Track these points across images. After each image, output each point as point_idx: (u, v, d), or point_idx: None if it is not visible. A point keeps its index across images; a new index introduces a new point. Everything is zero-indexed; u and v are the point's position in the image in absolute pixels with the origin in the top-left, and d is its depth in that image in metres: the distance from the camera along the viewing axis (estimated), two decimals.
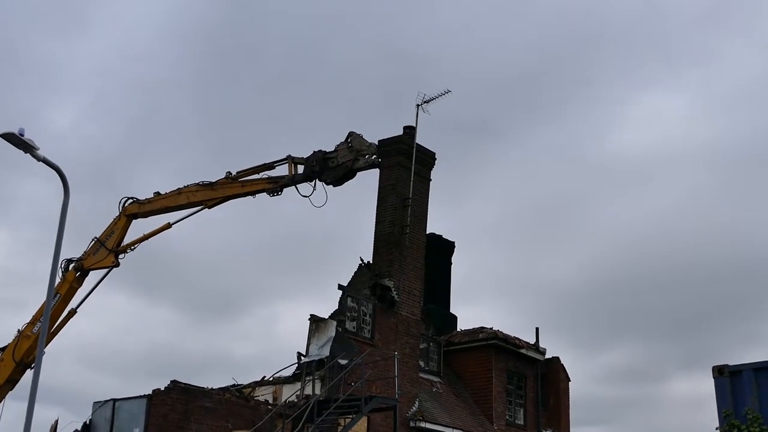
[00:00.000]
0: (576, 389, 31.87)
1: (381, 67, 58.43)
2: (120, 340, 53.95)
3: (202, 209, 24.19)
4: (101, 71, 61.22)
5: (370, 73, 58.44)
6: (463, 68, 57.41)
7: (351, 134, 23.54)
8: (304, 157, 23.66)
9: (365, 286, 24.15)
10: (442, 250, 29.42)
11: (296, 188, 23.25)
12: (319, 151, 23.49)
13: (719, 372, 11.71)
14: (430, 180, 25.25)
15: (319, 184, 23.19)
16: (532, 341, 28.43)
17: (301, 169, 23.46)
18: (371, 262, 24.24)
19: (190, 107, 60.23)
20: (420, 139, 24.50)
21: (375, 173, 24.67)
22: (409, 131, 24.36)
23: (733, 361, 12.16)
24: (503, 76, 59.61)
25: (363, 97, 56.10)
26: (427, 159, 25.12)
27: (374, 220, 24.61)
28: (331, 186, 23.15)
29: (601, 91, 61.80)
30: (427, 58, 56.39)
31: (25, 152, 13.62)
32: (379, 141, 24.21)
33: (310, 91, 59.41)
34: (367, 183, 25.10)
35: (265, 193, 23.67)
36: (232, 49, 61.71)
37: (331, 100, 57.74)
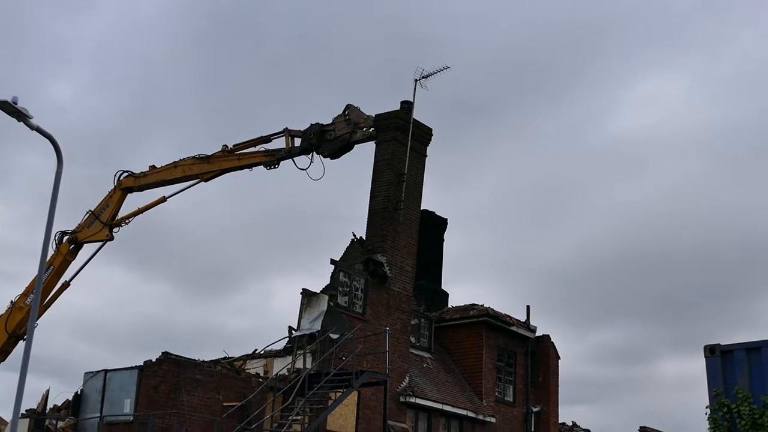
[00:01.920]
0: (566, 368, 32.21)
1: (383, 47, 58.95)
2: (113, 313, 54.34)
3: (198, 183, 24.28)
4: (104, 45, 61.07)
5: (372, 52, 58.98)
6: (465, 49, 57.82)
7: (348, 107, 23.52)
8: (301, 129, 23.63)
9: (358, 261, 24.10)
10: (434, 227, 29.44)
11: (293, 161, 23.32)
12: (317, 123, 23.50)
13: (711, 351, 11.71)
14: (426, 156, 25.15)
15: (316, 157, 23.25)
16: (523, 319, 28.58)
17: (298, 142, 23.51)
18: (364, 237, 24.22)
19: (192, 83, 60.69)
20: (418, 115, 24.43)
21: (372, 148, 24.68)
22: (407, 106, 24.17)
23: (723, 342, 12.12)
24: (504, 57, 60.11)
25: (364, 77, 56.67)
26: (424, 135, 24.97)
27: (368, 195, 24.59)
28: (328, 159, 23.23)
29: (601, 74, 62.38)
30: (429, 38, 56.68)
31: (18, 120, 13.67)
32: (375, 115, 24.12)
33: (311, 70, 59.96)
34: (363, 158, 25.15)
35: (261, 167, 23.69)
36: (234, 27, 61.99)
37: (332, 80, 58.32)
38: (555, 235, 57.23)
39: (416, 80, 23.97)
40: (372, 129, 23.37)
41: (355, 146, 23.78)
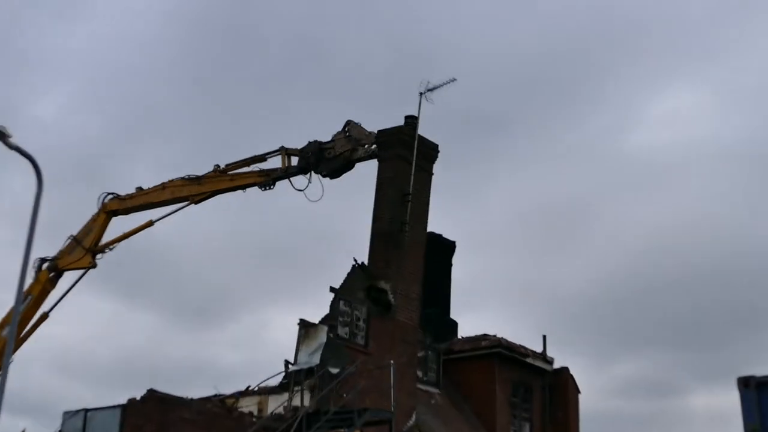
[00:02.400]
0: (586, 402, 31.80)
1: (386, 57, 58.84)
2: (96, 346, 53.91)
3: (187, 205, 24.29)
4: (90, 59, 60.92)
5: (374, 64, 58.84)
6: (473, 60, 57.36)
7: (349, 123, 23.37)
8: (299, 148, 23.54)
9: (359, 289, 23.87)
10: (442, 251, 29.25)
11: (290, 181, 23.24)
12: (315, 141, 23.39)
13: (745, 384, 11.26)
14: (432, 174, 24.88)
15: (314, 176, 23.16)
16: (539, 350, 28.32)
17: (295, 161, 23.45)
18: (366, 263, 23.97)
19: (183, 99, 60.67)
20: (423, 130, 24.20)
21: (374, 166, 24.50)
22: (411, 121, 23.93)
23: (758, 372, 11.62)
24: (516, 70, 59.74)
25: (366, 91, 56.23)
26: (430, 151, 24.72)
27: (371, 217, 24.32)
28: (327, 179, 23.09)
29: (621, 86, 61.92)
30: (436, 47, 56.50)
31: None
32: (378, 131, 23.92)
33: (309, 84, 59.74)
34: (365, 177, 24.86)
35: (256, 188, 23.64)
36: (227, 39, 62.05)
37: (332, 94, 57.91)
38: (572, 259, 56.64)
39: (421, 93, 23.75)
40: (374, 146, 23.25)
41: (357, 165, 23.65)
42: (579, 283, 55.27)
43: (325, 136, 23.86)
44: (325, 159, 23.21)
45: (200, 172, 24.01)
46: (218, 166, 24.04)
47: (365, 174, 24.69)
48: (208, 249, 54.75)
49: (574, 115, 60.62)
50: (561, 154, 59.10)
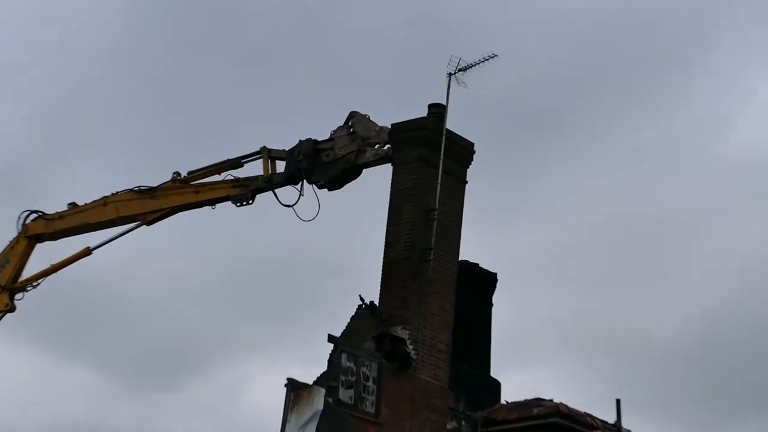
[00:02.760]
0: None
1: (402, 30, 53.53)
2: (14, 414, 49.30)
3: (137, 227, 23.59)
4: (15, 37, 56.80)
5: (387, 38, 53.66)
6: (518, 32, 52.66)
7: (353, 116, 22.27)
8: (286, 149, 22.57)
9: (367, 337, 21.87)
10: (479, 286, 26.76)
11: (274, 194, 22.49)
12: (308, 140, 22.37)
13: None
14: (466, 182, 22.68)
15: (307, 187, 22.31)
16: (612, 420, 25.34)
17: (282, 166, 22.65)
18: (376, 302, 22.01)
19: (137, 90, 55.61)
20: (453, 124, 21.99)
21: (387, 173, 22.81)
22: (437, 111, 21.91)
23: None
24: (575, 47, 54.39)
25: (375, 71, 51.48)
26: (463, 152, 22.54)
27: (383, 241, 22.15)
28: (324, 190, 22.27)
29: (716, 68, 56.00)
30: (467, 15, 51.73)
31: None
32: (392, 126, 22.11)
33: (301, 61, 54.66)
34: (375, 187, 23.18)
35: (229, 202, 22.92)
36: (196, 10, 57.18)
37: (330, 74, 53.37)
38: (655, 295, 51.10)
39: (450, 74, 21.71)
40: (387, 146, 21.97)
41: (364, 171, 22.45)
42: (665, 329, 49.73)
43: (322, 133, 22.47)
44: (322, 164, 22.25)
45: (155, 183, 22.94)
46: (178, 174, 23.08)
47: (376, 183, 23.05)
48: (166, 284, 50.42)
49: (653, 107, 55.14)
50: (637, 156, 53.32)
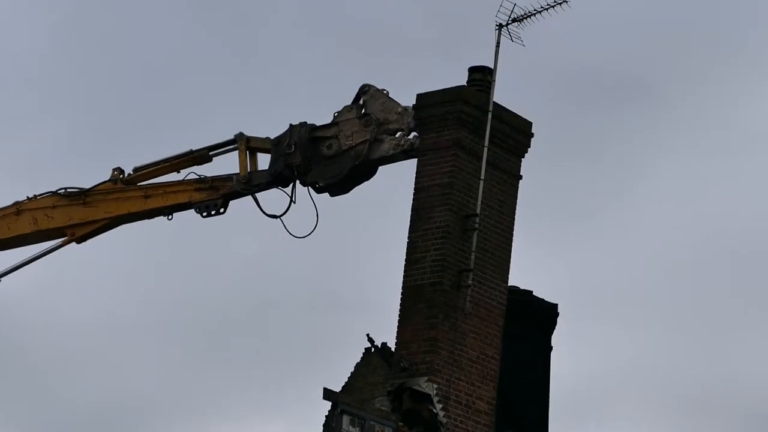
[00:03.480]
0: None
1: None
2: None
3: (64, 244, 20.67)
4: None
5: None
6: None
7: (365, 91, 18.96)
8: (271, 137, 19.48)
9: (378, 392, 20.86)
10: (534, 321, 24.07)
11: (255, 200, 19.50)
12: (303, 124, 19.15)
13: None
14: (521, 178, 19.39)
15: (301, 190, 19.33)
16: None
17: (266, 161, 19.52)
18: (389, 344, 20.64)
19: (56, 54, 51.63)
20: (502, 97, 18.61)
21: (412, 172, 19.28)
22: (481, 78, 18.56)
23: None
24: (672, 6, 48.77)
25: (396, 31, 46.01)
26: (517, 135, 19.24)
27: (402, 260, 18.86)
28: (325, 195, 19.23)
29: None
30: None
31: None
32: (418, 98, 18.81)
33: (288, 15, 49.67)
34: (390, 182, 20.12)
35: (193, 210, 19.92)
36: None
37: (331, 31, 48.18)
38: None
39: (501, 26, 18.34)
40: (413, 133, 18.74)
41: (380, 169, 19.56)
42: None
43: (322, 116, 19.50)
44: (322, 158, 19.34)
45: (88, 183, 20.22)
46: (120, 171, 20.22)
47: (397, 185, 19.90)
48: (104, 323, 44.43)
49: None
50: (747, 142, 47.08)
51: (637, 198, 44.11)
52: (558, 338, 24.61)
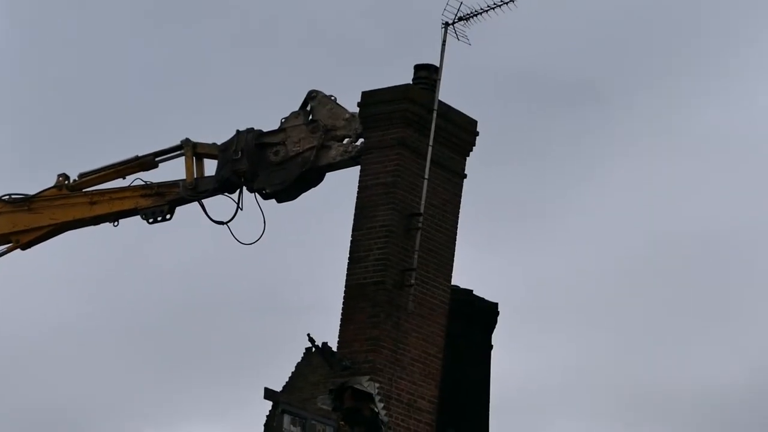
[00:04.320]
0: None
1: None
2: None
3: (8, 251, 20.73)
4: None
5: None
6: None
7: (313, 97, 19.23)
8: (218, 143, 19.53)
9: (320, 391, 19.48)
10: (474, 321, 23.83)
11: (201, 206, 19.50)
12: (249, 130, 19.30)
13: None
14: (465, 177, 19.47)
15: (248, 196, 19.46)
16: None
17: (212, 167, 19.61)
18: (333, 345, 19.64)
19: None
20: (448, 94, 18.74)
21: (356, 172, 19.46)
22: (426, 77, 18.75)
23: None
24: (616, 3, 48.68)
25: (343, 33, 46.24)
26: (462, 134, 19.31)
27: (346, 259, 18.87)
28: (272, 201, 19.40)
29: None
30: None
31: None
32: (363, 95, 18.93)
33: (231, 20, 49.34)
34: (343, 197, 19.71)
35: (138, 217, 19.98)
36: None
37: (276, 36, 48.01)
38: (721, 339, 45.14)
39: (446, 25, 18.55)
40: (361, 140, 19.02)
41: (327, 175, 19.70)
42: (731, 384, 43.86)
43: (269, 122, 19.44)
44: (269, 165, 19.31)
45: (33, 190, 20.25)
46: (66, 177, 20.12)
47: (345, 191, 19.51)
48: (46, 330, 44.18)
49: (731, 85, 49.24)
50: (714, 146, 47.23)
51: (583, 200, 44.30)
52: (499, 337, 24.42)
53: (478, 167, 20.10)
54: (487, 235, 35.84)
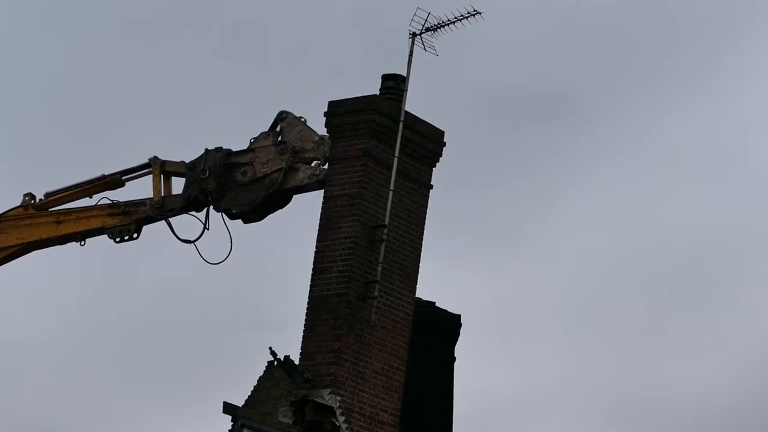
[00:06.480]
0: None
1: None
2: None
3: None
4: None
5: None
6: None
7: (283, 118, 19.23)
8: (186, 161, 19.57)
9: (281, 405, 19.06)
10: (437, 333, 23.17)
11: (169, 225, 19.66)
12: (218, 149, 19.31)
13: None
14: (431, 188, 19.60)
15: (215, 216, 19.45)
16: None
17: (180, 185, 19.65)
18: (295, 358, 18.88)
19: None
20: (415, 106, 18.90)
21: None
22: (393, 87, 18.81)
23: None
24: (597, 10, 48.24)
25: (309, 38, 45.65)
26: (429, 144, 19.50)
27: (309, 271, 18.91)
28: (239, 221, 19.41)
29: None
30: None
31: None
32: (329, 105, 18.98)
33: (209, 32, 48.81)
34: (310, 219, 19.63)
35: (105, 236, 19.95)
36: None
37: (245, 51, 47.58)
38: (696, 352, 44.17)
39: (414, 35, 18.58)
40: (328, 164, 19.06)
41: (295, 197, 19.58)
42: (707, 395, 43.00)
43: (238, 141, 19.49)
44: (236, 185, 19.21)
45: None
46: (32, 196, 20.19)
47: (312, 213, 19.37)
48: (19, 349, 44.05)
49: (698, 96, 48.08)
50: (681, 160, 46.24)
51: (557, 213, 44.15)
52: (462, 350, 23.87)
53: (442, 179, 19.88)
54: (455, 248, 35.91)
